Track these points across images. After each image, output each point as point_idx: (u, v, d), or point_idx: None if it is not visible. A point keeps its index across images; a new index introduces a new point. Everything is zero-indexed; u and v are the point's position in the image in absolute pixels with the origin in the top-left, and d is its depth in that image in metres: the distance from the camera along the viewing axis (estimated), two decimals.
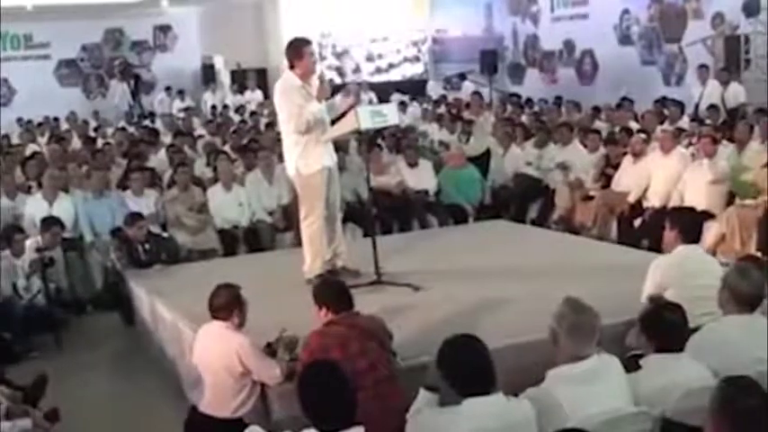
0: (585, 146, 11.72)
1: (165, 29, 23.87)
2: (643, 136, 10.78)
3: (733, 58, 14.88)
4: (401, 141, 12.34)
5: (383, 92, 20.11)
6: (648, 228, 9.79)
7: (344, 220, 10.51)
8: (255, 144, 12.10)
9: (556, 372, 3.90)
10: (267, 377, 5.14)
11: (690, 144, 10.77)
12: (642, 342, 4.24)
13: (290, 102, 7.04)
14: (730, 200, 9.61)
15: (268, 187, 10.55)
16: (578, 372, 3.85)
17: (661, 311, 4.27)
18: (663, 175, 9.93)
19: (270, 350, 5.32)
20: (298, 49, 7.09)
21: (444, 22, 23.51)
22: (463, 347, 3.74)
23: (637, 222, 10.03)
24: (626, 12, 18.18)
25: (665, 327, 4.17)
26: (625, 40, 18.30)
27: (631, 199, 10.16)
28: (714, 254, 8.88)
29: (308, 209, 7.31)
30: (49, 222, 8.67)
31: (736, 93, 13.85)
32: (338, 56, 25.46)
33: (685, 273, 5.48)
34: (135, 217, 8.78)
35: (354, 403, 3.54)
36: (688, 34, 16.75)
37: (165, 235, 9.31)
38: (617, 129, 12.12)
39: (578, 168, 11.23)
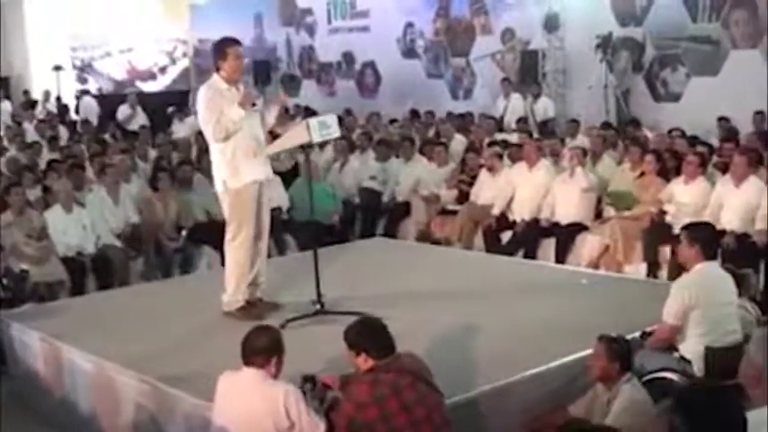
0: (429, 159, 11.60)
1: None
2: (497, 149, 10.75)
3: (530, 73, 15.27)
4: None
5: (149, 104, 18.89)
6: (520, 241, 9.74)
7: (197, 244, 9.78)
8: (73, 159, 10.85)
9: None
10: None
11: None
12: None
13: (211, 106, 6.37)
14: (598, 210, 9.75)
15: (113, 207, 9.45)
16: None
17: None
18: (530, 187, 9.89)
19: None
20: (221, 50, 6.49)
21: (207, 31, 22.50)
22: (714, 402, 3.20)
23: (505, 235, 9.91)
24: (410, 25, 18.27)
25: None
26: (409, 53, 18.37)
27: (496, 212, 10.04)
28: (597, 266, 9.00)
29: (236, 228, 6.62)
30: None
31: (545, 106, 14.23)
32: (81, 68, 23.76)
33: (710, 291, 5.36)
34: None
35: None
36: (476, 49, 17.06)
37: (23, 267, 8.01)
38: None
39: (429, 182, 11.01)
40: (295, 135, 6.24)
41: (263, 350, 4.44)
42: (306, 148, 6.37)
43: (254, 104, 6.46)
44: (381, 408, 4.29)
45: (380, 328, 4.61)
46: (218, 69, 6.45)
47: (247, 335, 4.52)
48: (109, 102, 20.07)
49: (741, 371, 3.63)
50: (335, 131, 6.44)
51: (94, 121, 18.30)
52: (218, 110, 6.32)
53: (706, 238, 5.45)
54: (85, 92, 21.19)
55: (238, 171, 6.43)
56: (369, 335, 4.55)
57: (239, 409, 4.41)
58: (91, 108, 20.23)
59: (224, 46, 6.46)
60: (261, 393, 4.37)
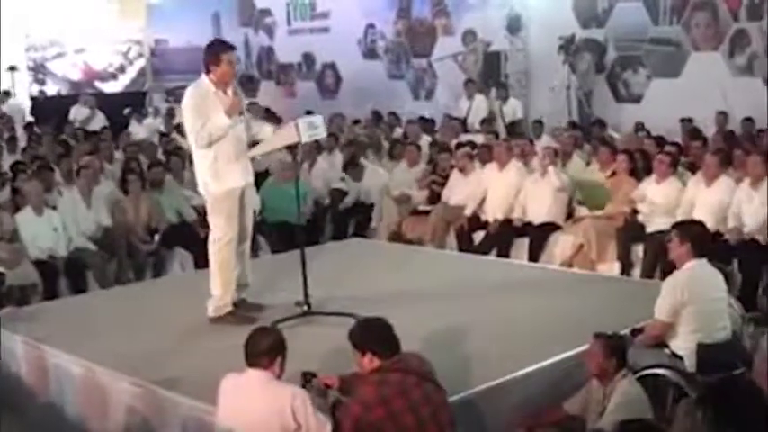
0: (393, 158, 11.65)
1: None
2: (468, 150, 10.80)
3: (492, 74, 15.37)
4: None
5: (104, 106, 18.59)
6: (493, 241, 9.78)
7: (170, 246, 9.70)
8: (42, 161, 10.69)
9: None
10: None
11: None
12: None
13: (196, 110, 6.30)
14: (570, 210, 9.82)
15: (86, 210, 9.32)
16: None
17: None
18: (501, 188, 9.94)
19: None
20: (215, 54, 6.36)
21: (164, 31, 22.33)
22: (746, 394, 3.25)
23: (477, 235, 9.95)
24: (371, 26, 18.27)
25: None
26: (370, 54, 18.38)
27: (468, 212, 10.08)
28: (570, 265, 9.08)
29: (218, 232, 6.54)
30: None
31: (514, 108, 14.33)
32: (35, 69, 23.36)
33: (701, 288, 5.44)
34: None
35: None
36: (438, 50, 17.11)
37: (0, 270, 7.88)
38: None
39: (401, 183, 11.04)
40: (283, 136, 6.22)
41: (267, 351, 4.41)
42: (293, 148, 6.33)
43: (240, 113, 6.42)
44: (388, 408, 4.31)
45: (386, 327, 4.61)
46: (207, 72, 6.34)
47: (250, 336, 4.48)
48: (64, 103, 19.73)
49: (755, 366, 3.70)
50: (322, 132, 6.45)
51: (21, 123, 17.81)
52: (204, 116, 6.23)
53: (696, 236, 5.52)
54: (7, 93, 20.73)
55: (220, 176, 6.35)
56: (374, 335, 4.56)
57: (245, 411, 4.37)
58: (18, 111, 19.86)
59: (219, 51, 6.36)
60: (267, 395, 4.34)
